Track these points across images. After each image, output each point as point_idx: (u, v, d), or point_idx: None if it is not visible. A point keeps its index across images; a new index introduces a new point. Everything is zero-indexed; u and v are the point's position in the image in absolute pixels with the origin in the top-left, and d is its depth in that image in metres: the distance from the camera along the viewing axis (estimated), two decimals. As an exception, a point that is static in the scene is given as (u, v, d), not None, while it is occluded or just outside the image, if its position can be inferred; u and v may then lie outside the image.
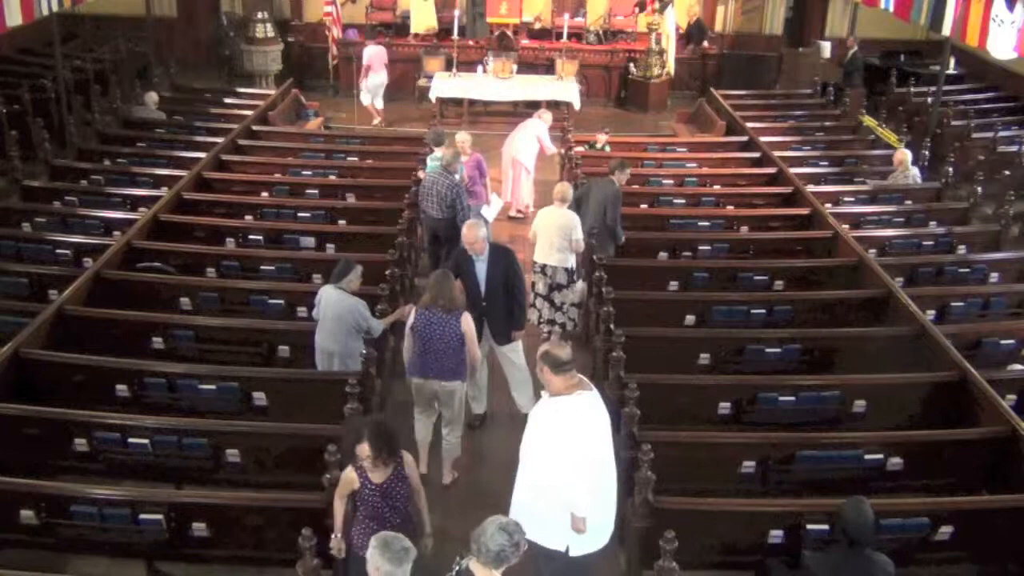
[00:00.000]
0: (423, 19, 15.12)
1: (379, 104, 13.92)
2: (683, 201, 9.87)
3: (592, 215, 8.16)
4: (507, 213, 10.27)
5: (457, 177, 8.35)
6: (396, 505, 4.46)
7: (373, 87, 13.71)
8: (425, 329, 5.75)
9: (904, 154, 10.24)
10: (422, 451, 6.17)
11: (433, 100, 13.98)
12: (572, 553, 4.60)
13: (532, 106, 14.38)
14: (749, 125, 12.10)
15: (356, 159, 11.06)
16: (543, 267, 7.75)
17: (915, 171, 10.23)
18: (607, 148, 11.38)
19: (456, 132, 9.28)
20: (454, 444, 6.16)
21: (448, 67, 14.48)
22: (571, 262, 7.76)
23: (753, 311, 7.40)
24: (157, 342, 6.74)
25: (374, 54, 13.63)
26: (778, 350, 6.84)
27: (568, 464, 4.42)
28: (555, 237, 7.59)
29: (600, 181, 8.38)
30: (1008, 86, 13.99)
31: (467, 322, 5.82)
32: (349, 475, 4.49)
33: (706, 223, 9.25)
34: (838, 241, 8.58)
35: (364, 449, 4.34)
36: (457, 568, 3.80)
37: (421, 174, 9.05)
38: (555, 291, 7.76)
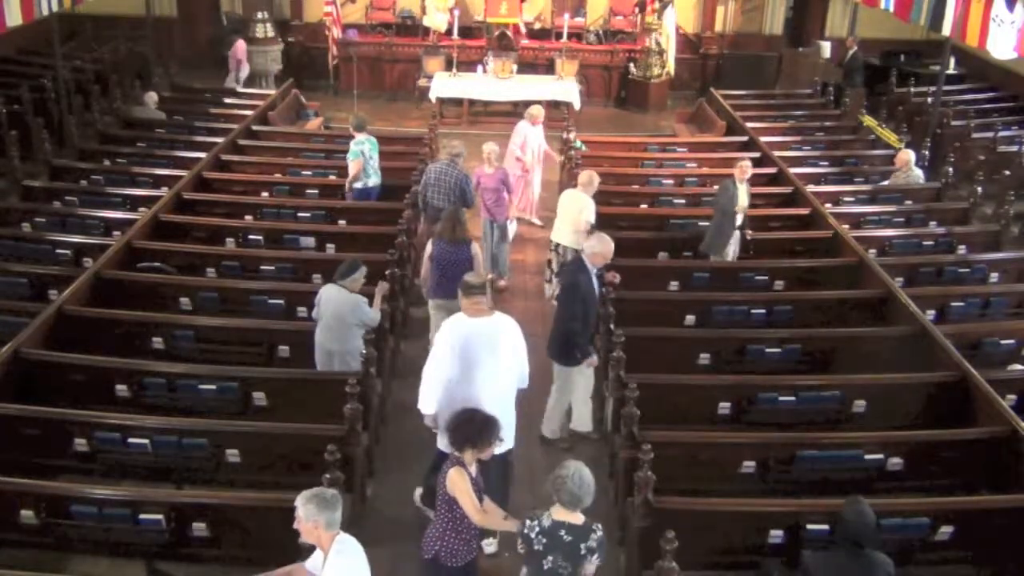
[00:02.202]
0: (438, 23, 15.15)
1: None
2: (683, 201, 9.86)
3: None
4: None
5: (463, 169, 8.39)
6: (483, 495, 4.41)
7: (243, 79, 14.70)
8: (442, 257, 6.78)
9: (908, 154, 10.23)
10: None
11: (433, 100, 13.99)
12: (438, 443, 5.24)
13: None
14: (749, 125, 12.10)
15: (356, 159, 11.04)
16: (556, 246, 7.98)
17: (919, 172, 10.22)
18: (581, 146, 11.34)
19: (487, 143, 8.85)
20: None
21: (448, 67, 14.48)
22: (581, 243, 7.78)
23: (753, 311, 7.40)
24: (157, 342, 6.73)
25: (244, 47, 14.65)
26: (778, 350, 6.84)
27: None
28: (571, 218, 7.72)
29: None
30: (1008, 86, 13.98)
31: (475, 248, 6.88)
32: (461, 475, 4.25)
33: (706, 223, 9.24)
34: (838, 241, 8.57)
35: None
36: (539, 526, 4.01)
37: (352, 168, 9.17)
38: None
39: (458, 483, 4.24)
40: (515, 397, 5.39)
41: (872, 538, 4.34)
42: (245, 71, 14.94)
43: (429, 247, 6.87)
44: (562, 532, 4.00)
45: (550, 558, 4.02)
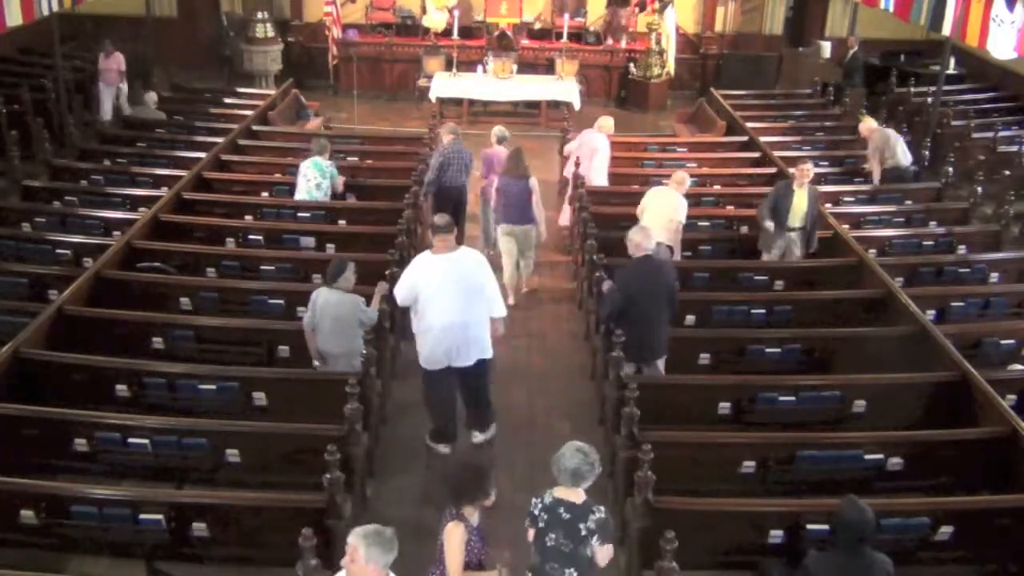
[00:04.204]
0: (436, 23, 15.18)
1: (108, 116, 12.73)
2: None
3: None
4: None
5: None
6: (483, 546, 4.20)
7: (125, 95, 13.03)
8: (506, 189, 8.30)
9: (869, 120, 10.34)
10: (511, 291, 8.39)
11: (433, 100, 13.99)
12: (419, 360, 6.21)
13: (532, 106, 14.46)
14: (749, 125, 12.09)
15: (356, 159, 11.06)
16: None
17: (895, 135, 10.22)
18: None
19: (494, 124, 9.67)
20: (530, 268, 8.75)
21: (448, 67, 14.49)
22: (671, 240, 8.06)
23: (753, 311, 7.40)
24: (157, 342, 6.73)
25: (123, 60, 12.97)
26: (778, 350, 6.84)
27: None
28: (666, 215, 7.96)
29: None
30: (1008, 86, 13.97)
31: (534, 183, 8.34)
32: (459, 531, 4.06)
33: (706, 223, 9.25)
34: (838, 241, 8.57)
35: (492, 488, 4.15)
36: (541, 503, 4.16)
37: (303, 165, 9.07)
38: None
39: (451, 538, 4.08)
40: (487, 319, 6.16)
41: (872, 537, 4.34)
42: (119, 92, 12.90)
43: (497, 180, 8.46)
44: (561, 509, 4.10)
45: (551, 535, 4.12)
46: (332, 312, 6.09)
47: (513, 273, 8.51)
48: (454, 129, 9.11)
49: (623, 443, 5.55)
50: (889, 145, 10.13)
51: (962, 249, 8.83)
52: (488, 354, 6.25)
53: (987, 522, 5.14)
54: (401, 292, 6.11)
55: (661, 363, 6.64)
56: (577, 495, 4.12)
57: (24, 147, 10.39)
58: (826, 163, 11.11)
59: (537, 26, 15.90)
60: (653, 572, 4.54)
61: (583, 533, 4.09)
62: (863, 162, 11.03)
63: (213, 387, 6.03)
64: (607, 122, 10.07)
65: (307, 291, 6.82)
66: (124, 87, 13.12)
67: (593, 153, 9.83)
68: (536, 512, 4.17)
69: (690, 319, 7.39)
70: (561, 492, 4.14)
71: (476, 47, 15.14)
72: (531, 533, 4.23)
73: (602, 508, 4.16)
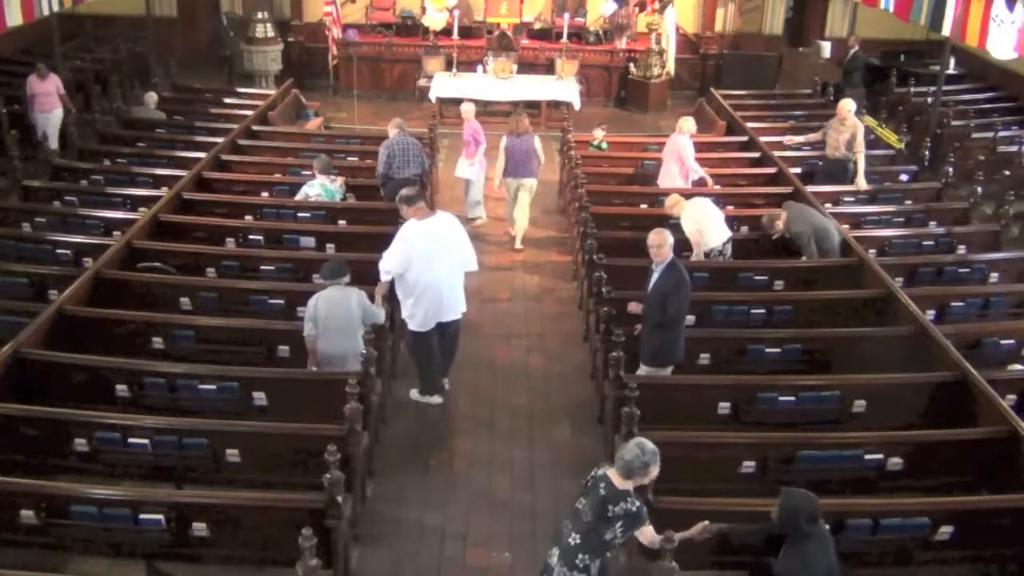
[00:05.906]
0: (435, 22, 15.20)
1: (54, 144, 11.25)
2: (683, 201, 9.84)
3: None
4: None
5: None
6: None
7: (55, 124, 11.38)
8: (512, 146, 9.55)
9: (848, 103, 10.08)
10: (518, 231, 9.91)
11: (433, 100, 14.00)
12: (410, 326, 6.78)
13: (532, 106, 14.45)
14: (749, 125, 12.09)
15: (356, 159, 11.06)
16: (723, 249, 8.20)
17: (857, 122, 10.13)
18: (604, 146, 11.37)
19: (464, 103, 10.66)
20: (526, 218, 9.86)
21: (448, 67, 14.49)
22: None
23: (753, 311, 7.40)
24: (157, 342, 6.73)
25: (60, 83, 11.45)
26: (778, 350, 6.84)
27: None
28: (721, 218, 8.33)
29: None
30: (1008, 86, 13.97)
31: (536, 140, 9.68)
32: None
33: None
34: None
35: None
36: (594, 472, 4.39)
37: (311, 191, 9.09)
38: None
39: None
40: (463, 275, 6.82)
41: (820, 511, 4.37)
42: (54, 122, 11.24)
43: (504, 140, 9.58)
44: (602, 485, 4.28)
45: (583, 500, 4.33)
46: (339, 311, 6.08)
47: (512, 216, 9.83)
48: (399, 124, 9.49)
49: (623, 443, 5.53)
50: (859, 138, 10.05)
51: (962, 249, 8.83)
52: (464, 307, 6.96)
53: (987, 522, 5.14)
54: (394, 262, 6.54)
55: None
56: (623, 482, 4.27)
57: (24, 147, 10.38)
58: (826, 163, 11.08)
59: (537, 26, 15.90)
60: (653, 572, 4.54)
61: (609, 514, 4.21)
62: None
63: (213, 387, 6.03)
64: (687, 123, 9.88)
65: (307, 291, 6.82)
66: (60, 115, 11.34)
67: (677, 155, 9.85)
68: (588, 475, 4.40)
69: (690, 319, 7.37)
70: (612, 472, 4.31)
71: (476, 47, 15.13)
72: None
73: (637, 503, 4.28)
